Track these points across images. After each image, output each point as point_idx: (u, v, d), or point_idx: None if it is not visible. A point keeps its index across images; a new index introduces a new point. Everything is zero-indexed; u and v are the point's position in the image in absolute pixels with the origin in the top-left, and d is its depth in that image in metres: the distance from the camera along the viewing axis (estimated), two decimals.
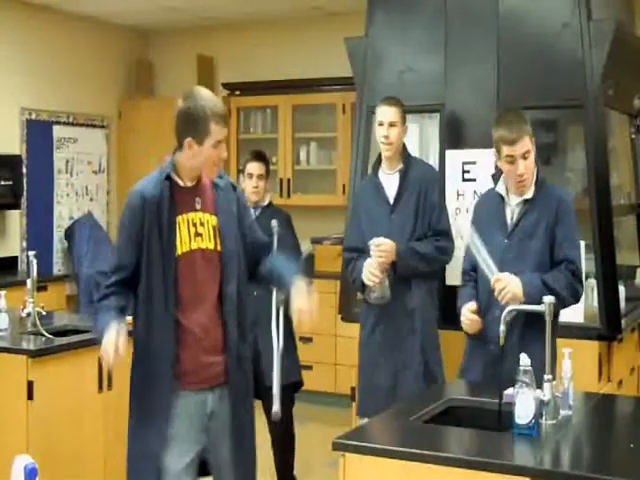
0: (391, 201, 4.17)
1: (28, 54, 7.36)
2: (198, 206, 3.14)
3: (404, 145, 4.24)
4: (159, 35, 8.54)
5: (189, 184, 3.15)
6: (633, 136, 5.44)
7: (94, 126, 8.01)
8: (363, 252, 4.17)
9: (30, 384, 3.89)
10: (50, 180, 7.54)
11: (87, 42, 7.94)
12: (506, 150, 3.46)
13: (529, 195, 3.54)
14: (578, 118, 4.45)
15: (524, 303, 3.31)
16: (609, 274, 4.28)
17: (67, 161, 7.71)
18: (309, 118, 7.69)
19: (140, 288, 3.12)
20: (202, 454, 3.20)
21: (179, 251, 3.08)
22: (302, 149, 7.64)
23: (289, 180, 7.50)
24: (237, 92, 7.89)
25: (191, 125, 3.05)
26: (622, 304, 4.48)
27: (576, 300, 3.55)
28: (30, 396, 3.89)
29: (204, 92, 3.10)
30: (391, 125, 4.14)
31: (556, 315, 3.48)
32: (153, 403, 3.11)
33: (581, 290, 3.52)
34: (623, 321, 4.39)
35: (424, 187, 4.15)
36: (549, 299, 2.96)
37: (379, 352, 4.14)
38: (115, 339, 2.98)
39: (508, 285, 3.37)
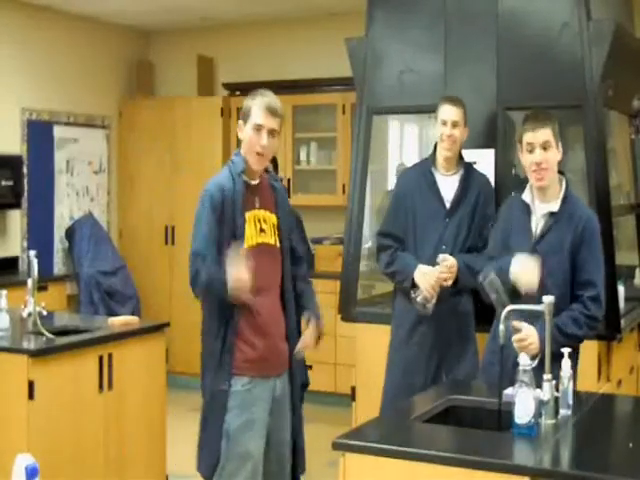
0: (447, 204, 4.11)
1: (29, 54, 7.37)
2: (257, 204, 3.38)
3: (461, 149, 4.20)
4: (159, 35, 8.54)
5: (253, 182, 3.39)
6: (632, 136, 5.45)
7: (95, 126, 8.01)
8: (400, 241, 4.15)
9: (31, 384, 3.89)
10: (51, 180, 7.54)
11: (87, 42, 7.94)
12: (526, 138, 3.48)
13: (555, 208, 3.50)
14: (578, 118, 4.45)
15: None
16: (608, 274, 4.26)
17: (68, 161, 7.70)
18: (309, 118, 7.69)
19: None
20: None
21: (248, 244, 3.30)
22: (302, 149, 7.64)
23: (289, 180, 7.50)
24: (237, 92, 7.89)
25: (243, 112, 3.41)
26: (621, 304, 4.48)
27: (596, 329, 3.54)
28: (31, 396, 3.89)
29: (264, 91, 3.43)
30: (454, 125, 4.10)
31: (577, 350, 3.45)
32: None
33: (600, 315, 3.47)
34: (622, 321, 4.40)
35: (482, 197, 4.12)
36: (549, 299, 2.97)
37: (419, 353, 4.08)
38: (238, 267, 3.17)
39: (530, 338, 3.29)
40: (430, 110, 4.69)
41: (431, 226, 4.09)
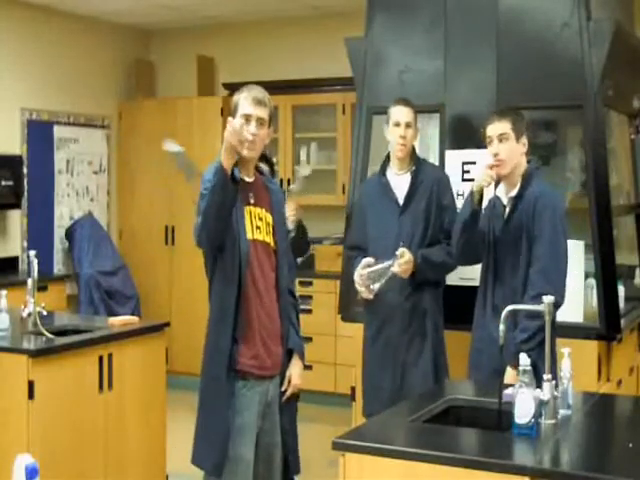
0: (400, 202, 4.14)
1: (28, 54, 7.37)
2: (252, 200, 3.37)
3: (414, 147, 4.24)
4: (159, 35, 8.54)
5: (247, 179, 3.38)
6: (632, 136, 5.45)
7: (95, 126, 8.01)
8: (364, 250, 4.18)
9: (31, 384, 3.89)
10: (51, 180, 7.54)
11: (87, 42, 7.94)
12: (487, 132, 3.71)
13: (514, 193, 3.70)
14: (578, 118, 4.46)
15: None
16: (608, 274, 4.29)
17: (68, 161, 7.71)
18: (309, 118, 7.70)
19: (217, 270, 3.30)
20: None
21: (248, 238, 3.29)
22: (302, 149, 7.65)
23: (289, 180, 7.50)
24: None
25: (232, 107, 3.40)
26: (621, 304, 4.48)
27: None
28: (31, 396, 3.89)
29: (250, 85, 3.43)
30: (407, 126, 4.12)
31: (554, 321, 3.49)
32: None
33: (552, 287, 3.46)
34: (622, 321, 4.40)
35: (436, 189, 4.13)
36: (549, 299, 2.97)
37: (385, 351, 4.11)
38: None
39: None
40: (430, 110, 4.71)
41: (387, 227, 4.12)
